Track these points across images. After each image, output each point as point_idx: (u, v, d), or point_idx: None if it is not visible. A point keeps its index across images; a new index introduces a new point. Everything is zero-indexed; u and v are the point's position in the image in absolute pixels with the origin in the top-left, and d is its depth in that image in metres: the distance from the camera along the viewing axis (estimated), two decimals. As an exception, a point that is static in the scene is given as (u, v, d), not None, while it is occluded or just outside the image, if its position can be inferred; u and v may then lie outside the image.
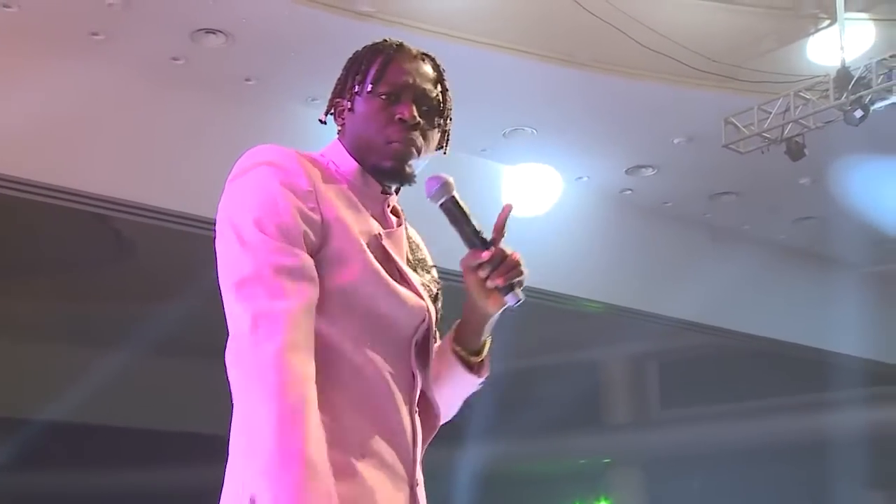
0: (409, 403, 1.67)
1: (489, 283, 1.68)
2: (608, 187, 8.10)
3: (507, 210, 1.72)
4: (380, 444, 1.59)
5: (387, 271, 1.64)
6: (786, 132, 6.40)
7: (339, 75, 1.78)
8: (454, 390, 1.83)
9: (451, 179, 1.71)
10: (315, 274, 1.57)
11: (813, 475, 10.27)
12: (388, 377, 1.63)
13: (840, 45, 5.92)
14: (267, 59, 6.12)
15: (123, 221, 6.22)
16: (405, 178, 1.72)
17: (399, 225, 1.76)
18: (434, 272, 1.81)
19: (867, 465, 9.79)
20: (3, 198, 5.59)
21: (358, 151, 1.72)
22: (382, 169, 1.70)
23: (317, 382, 1.48)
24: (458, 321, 1.82)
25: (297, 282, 1.53)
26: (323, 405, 1.48)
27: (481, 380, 1.83)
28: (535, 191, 7.64)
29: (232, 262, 1.57)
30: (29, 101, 5.53)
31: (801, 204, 8.55)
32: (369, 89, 1.71)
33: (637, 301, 8.53)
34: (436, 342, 1.79)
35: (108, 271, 6.57)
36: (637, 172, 7.87)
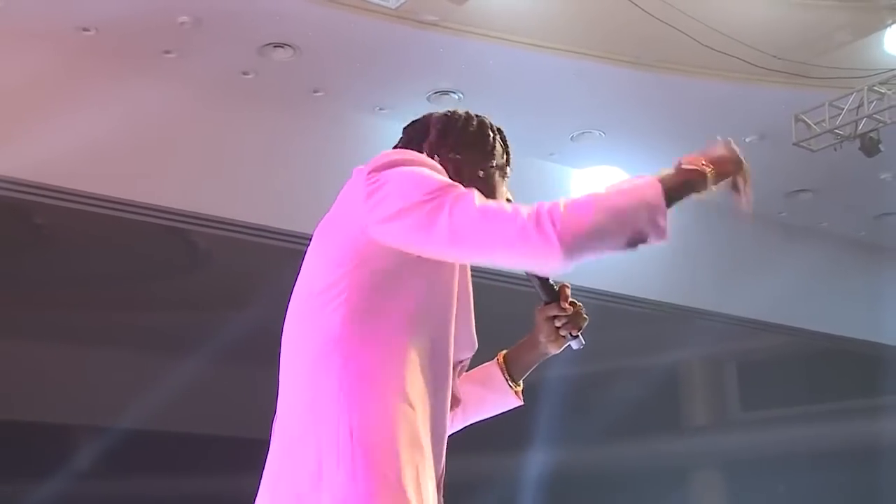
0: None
1: (563, 332, 1.94)
2: (679, 188, 8.00)
3: (567, 288, 1.95)
4: (430, 436, 1.70)
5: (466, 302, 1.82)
6: (859, 128, 6.26)
7: (461, 129, 1.95)
8: (490, 411, 2.07)
9: None
10: None
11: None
12: (447, 384, 1.75)
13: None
14: (334, 71, 6.22)
15: (198, 234, 6.36)
16: None
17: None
18: None
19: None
20: (82, 213, 5.77)
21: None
22: None
23: (402, 360, 1.64)
24: (503, 354, 2.05)
25: None
26: (405, 386, 1.64)
27: (522, 405, 2.06)
28: (604, 194, 7.59)
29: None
30: (107, 119, 5.71)
31: (883, 200, 8.36)
32: (501, 166, 1.96)
33: (712, 302, 8.42)
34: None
35: (183, 283, 6.73)
36: (709, 173, 7.76)
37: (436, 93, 6.37)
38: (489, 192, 1.84)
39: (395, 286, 1.68)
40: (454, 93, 6.37)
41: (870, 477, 10.26)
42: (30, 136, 5.56)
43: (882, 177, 7.73)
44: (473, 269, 1.95)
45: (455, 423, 1.99)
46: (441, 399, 1.72)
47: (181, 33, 5.65)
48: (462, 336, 1.79)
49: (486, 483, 8.14)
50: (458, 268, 1.77)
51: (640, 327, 8.97)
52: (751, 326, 8.85)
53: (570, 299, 1.94)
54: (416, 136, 1.93)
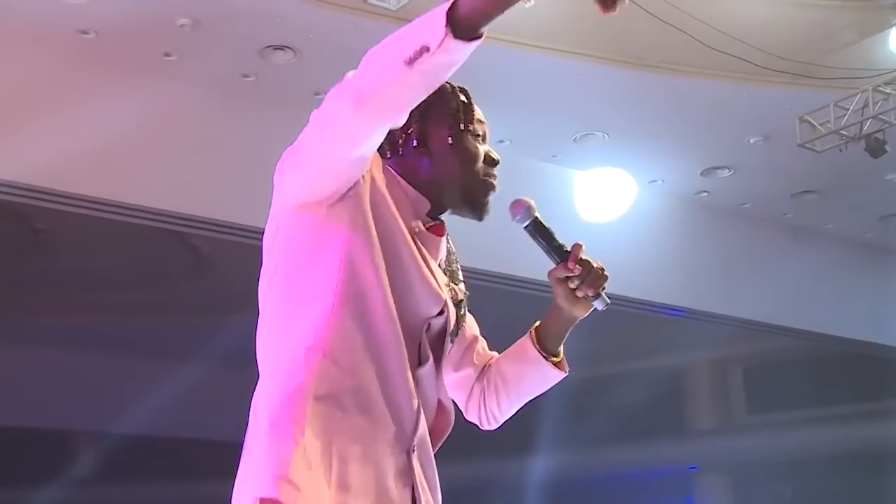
0: (416, 380, 1.73)
1: (579, 293, 1.86)
2: (683, 190, 7.98)
3: (579, 247, 1.87)
4: (378, 396, 1.66)
5: (415, 257, 1.75)
6: (865, 129, 6.21)
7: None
8: (534, 386, 1.99)
9: (533, 202, 1.88)
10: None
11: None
12: (401, 344, 1.69)
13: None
14: (335, 73, 6.08)
15: (198, 237, 6.33)
16: (486, 212, 1.87)
17: (440, 235, 1.86)
18: (463, 286, 1.91)
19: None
20: (82, 217, 5.74)
21: (440, 180, 1.82)
22: (477, 202, 1.84)
23: (335, 319, 1.64)
24: (535, 326, 1.98)
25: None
26: (329, 345, 1.62)
27: (565, 374, 1.98)
28: (608, 196, 7.55)
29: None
30: (107, 122, 5.68)
31: (889, 201, 8.31)
32: (469, 127, 1.85)
33: (717, 305, 8.38)
34: (452, 345, 1.87)
35: (184, 287, 6.70)
36: (713, 174, 7.74)
37: (437, 94, 6.33)
38: (467, 157, 1.84)
39: (311, 257, 1.69)
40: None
41: (877, 481, 10.20)
42: (29, 139, 5.53)
43: (888, 178, 7.68)
44: (478, 272, 1.93)
45: (501, 404, 1.99)
46: (389, 355, 1.67)
47: (181, 36, 5.62)
48: (419, 292, 1.73)
49: (492, 487, 8.10)
50: (395, 233, 1.72)
51: (645, 330, 8.93)
52: (756, 329, 8.80)
53: (583, 257, 1.86)
54: None
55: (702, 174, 7.73)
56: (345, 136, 1.60)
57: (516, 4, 1.47)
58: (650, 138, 7.15)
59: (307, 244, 1.70)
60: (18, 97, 5.59)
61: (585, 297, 1.87)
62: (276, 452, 1.58)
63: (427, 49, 1.46)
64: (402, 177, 1.81)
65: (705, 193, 8.05)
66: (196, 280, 6.78)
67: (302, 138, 1.66)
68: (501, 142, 6.93)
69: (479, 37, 1.48)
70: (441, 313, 1.77)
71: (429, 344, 1.76)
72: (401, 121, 1.63)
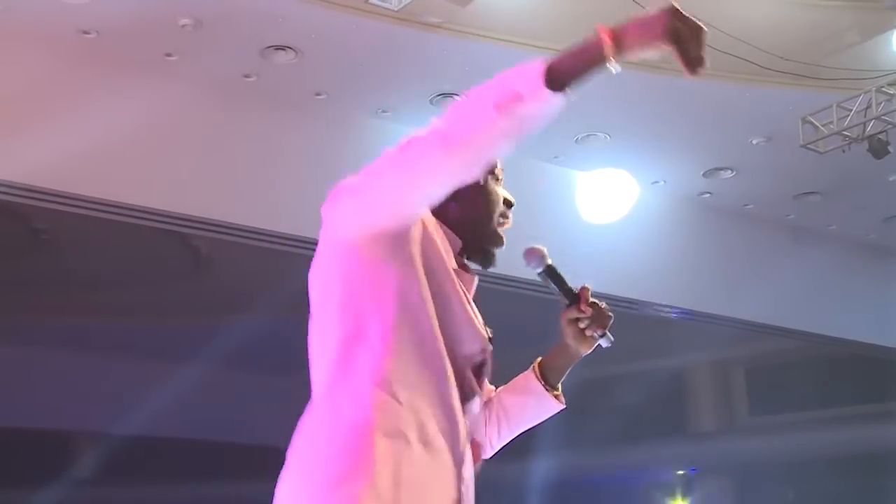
0: (464, 411, 1.79)
1: (588, 332, 2.00)
2: (686, 191, 7.96)
3: (587, 290, 2.00)
4: (435, 430, 1.71)
5: (461, 297, 1.82)
6: (868, 130, 6.19)
7: None
8: (533, 417, 2.14)
9: (545, 250, 2.00)
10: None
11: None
12: (452, 380, 1.75)
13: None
14: (336, 73, 6.17)
15: (199, 238, 6.32)
16: (494, 264, 1.96)
17: (473, 277, 1.94)
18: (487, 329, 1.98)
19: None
20: (82, 217, 5.73)
21: (466, 222, 1.89)
22: (490, 252, 1.94)
23: (393, 356, 1.68)
24: (537, 362, 2.12)
25: None
26: (390, 382, 1.66)
27: (564, 407, 2.13)
28: (610, 196, 7.53)
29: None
30: (108, 122, 5.66)
31: (892, 202, 8.29)
32: (493, 171, 1.93)
33: (719, 306, 8.35)
34: (487, 382, 1.98)
35: (184, 287, 6.69)
36: (715, 175, 7.72)
37: (439, 95, 6.32)
38: (490, 200, 1.93)
39: (366, 295, 1.71)
40: (457, 95, 6.29)
41: (880, 483, 10.17)
42: (30, 139, 5.52)
43: (891, 179, 7.66)
44: (487, 274, 1.94)
45: (501, 433, 2.12)
46: (442, 394, 1.73)
47: (182, 36, 5.60)
48: (465, 331, 1.80)
49: (492, 488, 8.09)
50: (443, 273, 1.78)
51: (647, 331, 8.90)
52: (758, 330, 8.78)
53: (592, 300, 2.00)
54: None
55: (704, 175, 7.71)
56: (424, 179, 1.61)
57: (604, 67, 1.55)
58: (652, 139, 7.13)
59: (362, 281, 1.71)
60: (19, 97, 5.57)
61: (593, 336, 2.01)
62: (343, 487, 1.60)
63: (520, 97, 1.50)
64: (436, 217, 1.86)
65: (708, 194, 8.03)
66: (196, 280, 6.77)
67: (370, 176, 1.64)
68: (503, 142, 6.92)
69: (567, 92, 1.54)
70: (482, 351, 1.86)
71: (472, 380, 1.84)
72: (477, 172, 1.70)
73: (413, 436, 1.66)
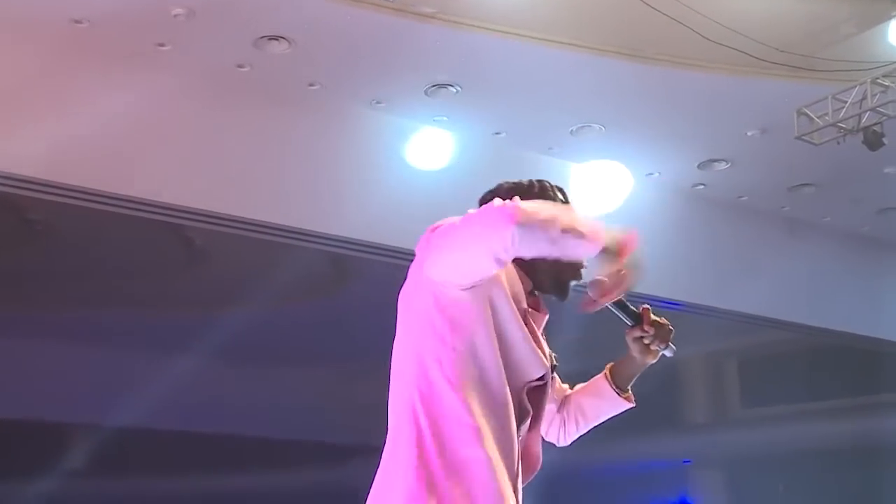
0: (518, 433, 2.05)
1: (653, 347, 2.31)
2: (680, 183, 7.95)
3: (648, 311, 2.31)
4: (500, 449, 1.97)
5: (524, 334, 2.06)
6: (863, 121, 6.19)
7: (525, 194, 2.20)
8: (609, 414, 2.51)
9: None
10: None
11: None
12: (510, 404, 2.00)
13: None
14: (330, 64, 6.14)
15: (192, 229, 6.30)
16: (569, 296, 2.20)
17: (541, 310, 2.20)
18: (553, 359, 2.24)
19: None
20: (75, 208, 5.71)
21: (538, 264, 2.07)
22: (566, 286, 2.18)
23: (469, 388, 1.95)
24: (609, 368, 2.48)
25: None
26: (464, 401, 1.93)
27: (633, 405, 2.49)
28: (604, 188, 7.51)
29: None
30: (100, 112, 5.64)
31: (886, 194, 8.29)
32: None
33: (712, 298, 8.36)
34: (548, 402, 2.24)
35: (178, 278, 6.67)
36: (710, 167, 7.71)
37: (433, 86, 6.30)
38: None
39: (444, 328, 1.98)
40: (452, 86, 6.29)
41: (871, 474, 10.20)
42: (22, 130, 5.50)
43: (886, 171, 7.65)
44: None
45: (579, 427, 2.51)
46: (501, 416, 1.98)
47: (175, 26, 5.57)
48: (527, 359, 2.04)
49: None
50: (507, 312, 2.01)
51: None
52: (752, 322, 8.78)
53: (653, 318, 2.29)
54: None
55: (699, 167, 7.70)
56: (499, 250, 1.85)
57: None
58: (647, 131, 7.12)
59: (440, 316, 1.97)
60: (10, 87, 5.54)
61: (658, 349, 2.32)
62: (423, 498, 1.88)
63: (580, 233, 1.91)
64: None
65: (702, 186, 8.03)
66: (190, 272, 6.75)
67: (454, 236, 1.90)
68: (498, 134, 6.90)
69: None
70: (542, 377, 2.08)
71: (529, 401, 2.07)
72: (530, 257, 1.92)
73: (479, 453, 1.92)
